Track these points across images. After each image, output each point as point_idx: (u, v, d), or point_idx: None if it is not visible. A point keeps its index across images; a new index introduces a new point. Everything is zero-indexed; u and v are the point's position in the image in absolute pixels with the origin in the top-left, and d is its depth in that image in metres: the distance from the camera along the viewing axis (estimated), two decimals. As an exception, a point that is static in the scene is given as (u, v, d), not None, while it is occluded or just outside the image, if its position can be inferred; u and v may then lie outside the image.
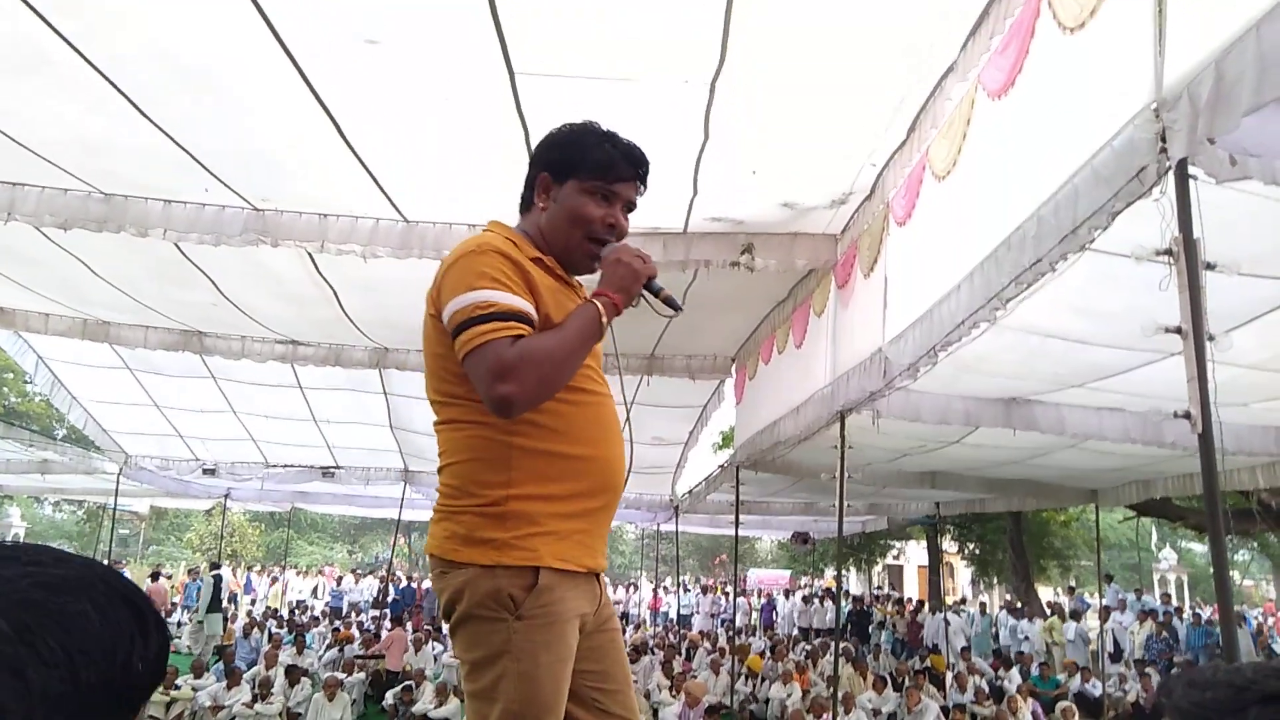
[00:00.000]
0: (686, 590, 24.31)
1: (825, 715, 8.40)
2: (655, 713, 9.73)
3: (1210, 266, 2.36)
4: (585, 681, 1.79)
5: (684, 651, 14.70)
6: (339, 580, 24.66)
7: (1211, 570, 2.57)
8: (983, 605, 21.24)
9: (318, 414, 11.30)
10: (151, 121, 4.40)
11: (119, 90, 4.11)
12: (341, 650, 12.06)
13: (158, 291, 7.28)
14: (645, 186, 1.87)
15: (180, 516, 36.49)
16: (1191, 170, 2.30)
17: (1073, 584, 22.99)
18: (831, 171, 4.80)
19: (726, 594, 21.90)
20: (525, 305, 1.67)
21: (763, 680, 11.82)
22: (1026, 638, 15.74)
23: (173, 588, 20.64)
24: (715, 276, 5.82)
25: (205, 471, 13.69)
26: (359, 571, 28.01)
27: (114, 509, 16.14)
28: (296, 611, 19.08)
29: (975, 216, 3.63)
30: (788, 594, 24.14)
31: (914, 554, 30.93)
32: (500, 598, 1.65)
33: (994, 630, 17.14)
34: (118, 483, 13.82)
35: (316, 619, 17.74)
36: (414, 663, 11.58)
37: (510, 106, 4.08)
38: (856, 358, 5.03)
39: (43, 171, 5.08)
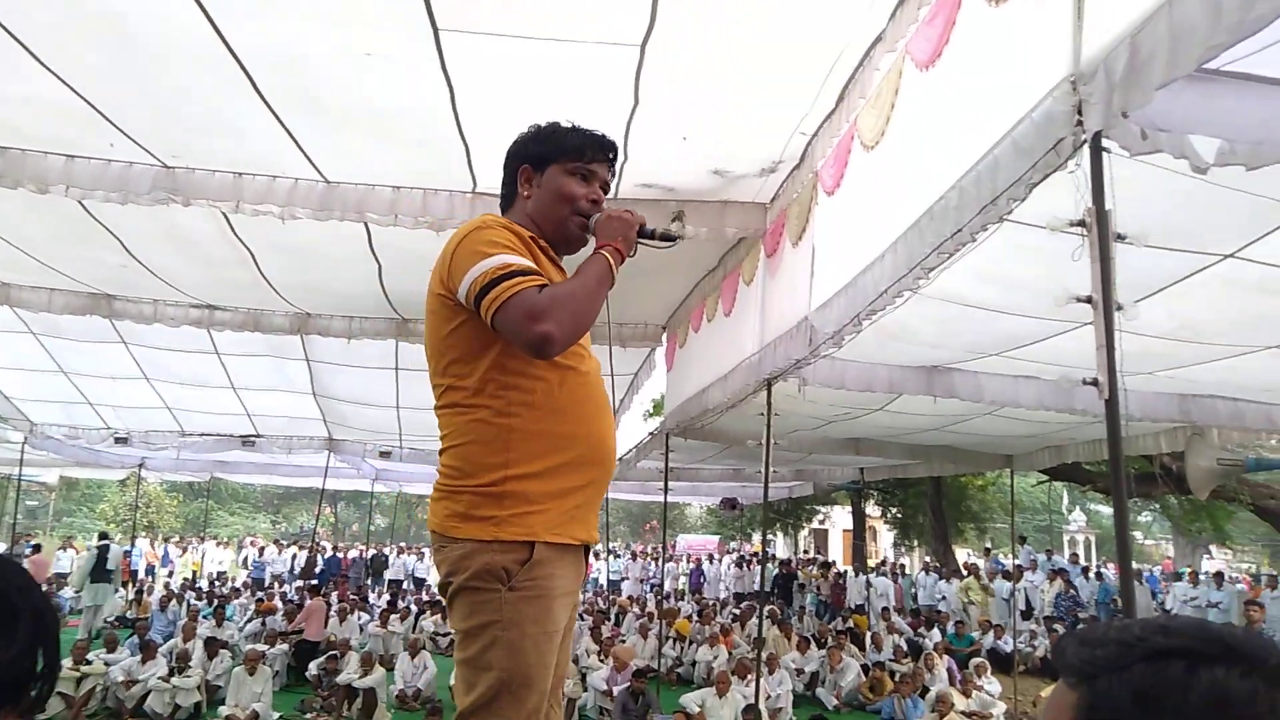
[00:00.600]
0: (617, 556, 24.52)
1: (750, 676, 8.60)
2: (584, 677, 9.82)
3: (1121, 238, 2.43)
4: None
5: (613, 617, 14.86)
6: (261, 551, 24.16)
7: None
8: (902, 567, 21.96)
9: (236, 381, 10.94)
10: (49, 70, 4.14)
11: (11, 35, 3.85)
12: (264, 622, 11.84)
13: (62, 252, 6.91)
14: (614, 170, 2.06)
15: (93, 487, 35.22)
16: (1106, 143, 2.36)
17: (989, 545, 23.92)
18: (762, 139, 4.79)
19: (656, 559, 22.17)
20: (536, 267, 1.80)
21: (690, 643, 12.04)
22: (944, 597, 16.37)
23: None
24: (646, 244, 5.79)
25: (117, 440, 13.16)
26: (282, 542, 27.46)
27: (19, 479, 15.50)
28: (216, 583, 18.66)
29: (901, 186, 3.66)
30: (711, 559, 24.57)
31: (839, 519, 31.72)
32: (495, 570, 1.74)
33: (914, 591, 17.76)
34: (22, 452, 13.25)
35: (237, 590, 17.40)
36: (338, 633, 11.45)
37: (435, 64, 3.95)
38: (783, 326, 5.07)
39: (-72, 121, 4.75)
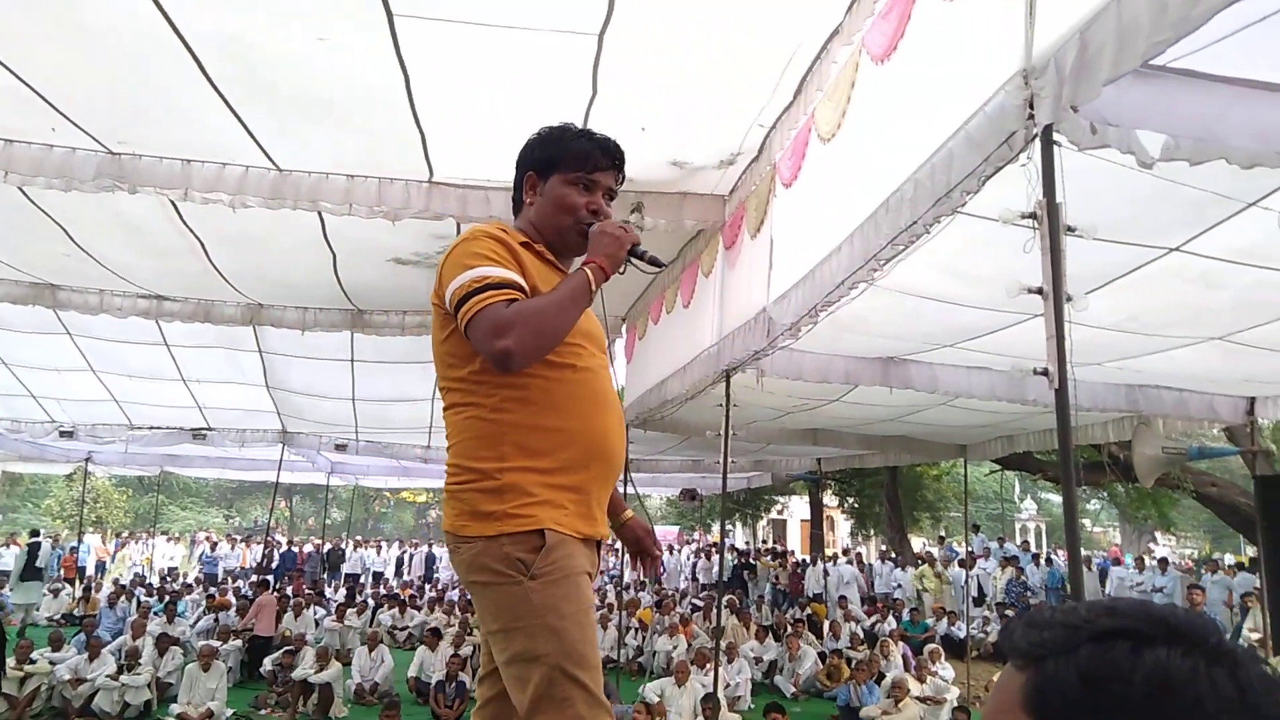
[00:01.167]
0: (576, 548, 24.43)
1: (709, 665, 8.65)
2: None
3: (1070, 230, 2.47)
4: None
5: (573, 608, 14.81)
6: (213, 546, 23.73)
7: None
8: (859, 555, 22.25)
9: (186, 373, 10.69)
10: (-14, 51, 4.00)
11: (-55, 14, 3.72)
12: (216, 619, 11.64)
13: (2, 240, 6.71)
14: (623, 176, 2.10)
15: (38, 482, 34.28)
16: (1056, 137, 2.40)
17: (943, 534, 24.33)
18: (720, 131, 4.79)
19: (615, 550, 22.17)
20: (517, 278, 1.82)
21: (651, 633, 12.09)
22: (899, 585, 16.64)
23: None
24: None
25: (62, 434, 12.81)
26: (235, 537, 26.99)
27: (-41, 475, 15.05)
28: (167, 579, 18.30)
29: (858, 179, 3.69)
30: (671, 549, 24.65)
31: (797, 508, 32.04)
32: (510, 562, 1.74)
33: (870, 579, 18.03)
34: (-39, 447, 12.90)
35: (189, 586, 17.07)
36: (294, 628, 11.29)
37: (389, 50, 3.89)
38: (741, 318, 5.10)
39: None
